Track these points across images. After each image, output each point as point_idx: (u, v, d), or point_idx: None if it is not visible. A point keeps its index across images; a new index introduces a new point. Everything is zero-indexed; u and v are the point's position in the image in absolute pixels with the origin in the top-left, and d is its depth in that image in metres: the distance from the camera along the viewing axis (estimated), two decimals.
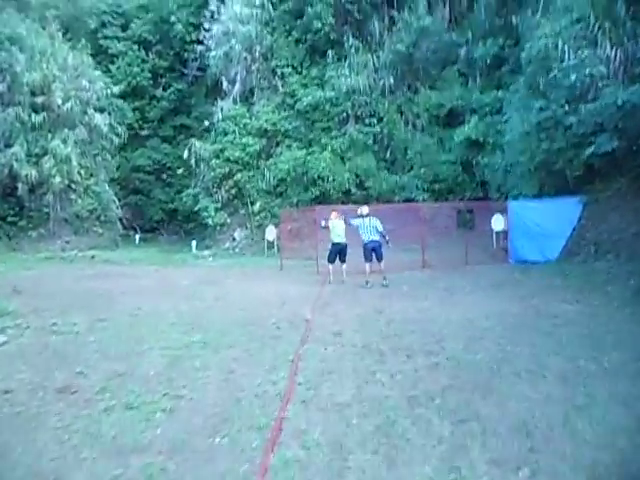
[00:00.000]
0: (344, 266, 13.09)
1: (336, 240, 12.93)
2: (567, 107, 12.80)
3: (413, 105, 23.85)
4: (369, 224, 12.35)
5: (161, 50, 34.52)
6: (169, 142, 34.84)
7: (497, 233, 17.86)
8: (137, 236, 32.14)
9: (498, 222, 17.22)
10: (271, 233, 21.31)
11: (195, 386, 4.97)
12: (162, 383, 5.07)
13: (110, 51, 33.41)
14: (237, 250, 23.22)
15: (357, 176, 22.92)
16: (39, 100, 24.53)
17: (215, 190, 24.40)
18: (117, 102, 30.79)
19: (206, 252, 22.42)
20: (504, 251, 16.40)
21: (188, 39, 31.97)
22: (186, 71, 34.42)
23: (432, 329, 7.20)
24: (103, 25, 34.24)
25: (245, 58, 25.74)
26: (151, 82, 34.09)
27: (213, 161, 24.12)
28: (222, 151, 23.94)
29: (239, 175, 23.64)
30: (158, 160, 34.32)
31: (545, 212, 14.31)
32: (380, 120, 23.69)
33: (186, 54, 33.01)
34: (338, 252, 12.98)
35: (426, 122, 23.45)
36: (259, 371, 5.41)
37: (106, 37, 33.87)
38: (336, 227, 12.97)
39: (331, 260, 13.03)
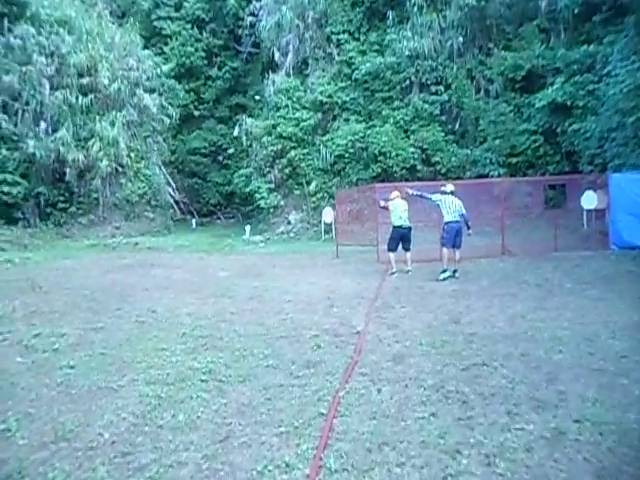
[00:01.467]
0: (408, 255, 10.94)
1: (398, 223, 10.76)
2: None
3: (485, 69, 21.02)
4: (453, 203, 10.12)
5: (215, 28, 33.04)
6: (225, 123, 33.36)
7: (588, 212, 15.19)
8: (193, 220, 31.08)
9: (589, 199, 14.54)
10: (328, 215, 19.32)
11: (159, 471, 3.04)
12: (112, 461, 3.17)
13: (164, 32, 32.15)
14: (292, 235, 21.38)
15: (423, 151, 20.44)
16: (85, 81, 23.51)
17: (268, 170, 22.59)
18: (168, 82, 29.66)
19: (258, 237, 20.71)
20: (601, 234, 13.72)
21: (242, 15, 30.18)
22: (241, 49, 32.81)
23: (535, 353, 4.97)
24: (157, 6, 32.99)
25: (297, 26, 23.64)
26: (205, 62, 32.71)
27: (265, 138, 22.29)
28: (274, 127, 22.05)
29: (293, 153, 21.68)
30: (214, 142, 33.00)
31: None
32: (448, 87, 21.03)
33: (240, 30, 31.28)
34: (400, 238, 10.82)
35: (501, 87, 20.58)
36: (270, 437, 3.41)
37: (160, 18, 32.62)
38: (398, 208, 10.79)
39: (392, 248, 10.88)
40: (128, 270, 13.02)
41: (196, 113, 32.57)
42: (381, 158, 20.19)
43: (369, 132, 20.66)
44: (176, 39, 31.78)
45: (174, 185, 31.70)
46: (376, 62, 21.17)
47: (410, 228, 10.84)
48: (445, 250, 10.00)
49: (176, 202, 31.85)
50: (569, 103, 17.20)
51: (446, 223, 10.10)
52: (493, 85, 20.68)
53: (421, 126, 20.70)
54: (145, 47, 28.52)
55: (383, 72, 21.22)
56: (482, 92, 20.96)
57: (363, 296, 8.46)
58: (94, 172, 23.05)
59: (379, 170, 20.25)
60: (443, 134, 20.57)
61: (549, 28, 20.78)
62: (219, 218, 34.48)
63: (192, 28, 32.11)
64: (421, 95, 20.99)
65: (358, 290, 9.10)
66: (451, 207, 10.04)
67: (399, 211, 10.74)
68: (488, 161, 19.26)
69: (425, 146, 20.30)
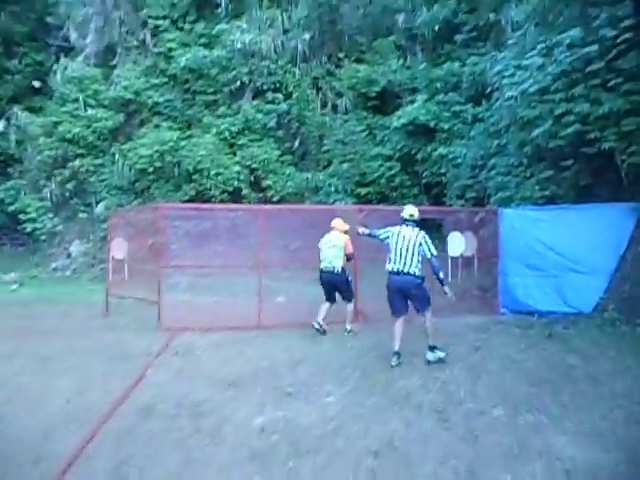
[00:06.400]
0: (349, 307, 7.77)
1: (320, 266, 7.64)
2: None
3: (334, 80, 17.34)
4: (409, 240, 5.93)
5: (18, 12, 25.99)
6: None
7: (453, 260, 11.72)
8: None
9: (456, 243, 11.01)
10: (119, 249, 13.71)
11: None
12: None
13: None
14: (69, 273, 15.45)
15: (252, 171, 15.88)
16: None
17: (44, 183, 16.50)
18: None
19: (12, 275, 14.51)
20: (480, 291, 10.18)
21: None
22: (50, 41, 26.12)
23: None
24: None
25: (103, 1, 18.23)
26: (1, 50, 25.39)
27: (42, 139, 16.27)
28: (56, 126, 16.16)
29: (78, 162, 15.90)
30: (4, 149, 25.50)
31: (570, 228, 8.09)
32: (288, 96, 16.87)
33: (51, 18, 24.77)
34: (329, 287, 7.63)
35: (351, 103, 16.97)
36: None
37: None
38: (324, 244, 7.70)
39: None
40: None
41: None
42: (197, 177, 15.26)
43: (184, 143, 15.68)
44: None
45: None
46: (199, 55, 16.45)
47: (338, 272, 7.46)
48: (397, 322, 5.95)
49: None
50: (433, 124, 13.95)
51: (389, 274, 6.04)
52: (342, 100, 16.99)
53: (251, 140, 16.18)
54: None
55: (208, 68, 16.52)
56: (329, 107, 17.14)
57: None
58: None
59: (193, 192, 15.26)
60: (279, 152, 16.25)
61: (406, 46, 17.84)
62: (5, 244, 26.70)
63: None
64: (254, 102, 16.58)
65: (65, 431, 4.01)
66: (402, 248, 5.92)
67: (325, 247, 7.60)
68: (333, 189, 15.28)
69: (255, 165, 15.77)
